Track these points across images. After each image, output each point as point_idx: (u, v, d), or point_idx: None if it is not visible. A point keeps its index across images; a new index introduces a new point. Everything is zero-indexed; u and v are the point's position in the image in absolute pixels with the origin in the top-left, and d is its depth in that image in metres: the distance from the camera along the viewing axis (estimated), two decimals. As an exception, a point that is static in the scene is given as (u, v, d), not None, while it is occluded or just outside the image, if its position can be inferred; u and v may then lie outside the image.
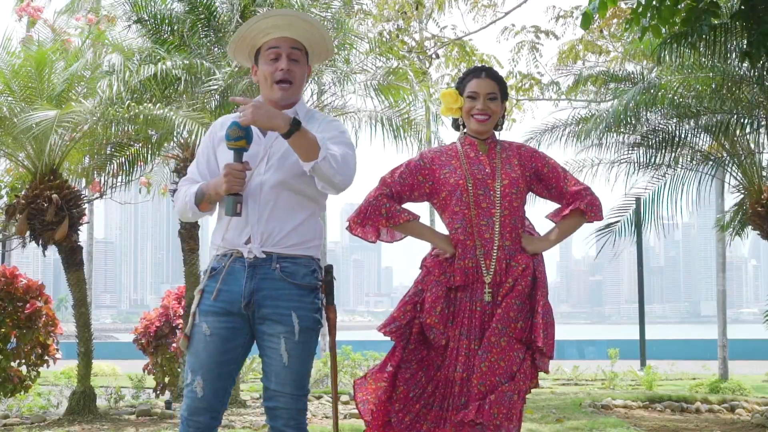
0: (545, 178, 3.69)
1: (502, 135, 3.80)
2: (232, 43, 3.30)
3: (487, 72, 3.70)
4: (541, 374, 3.66)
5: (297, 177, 3.17)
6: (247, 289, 3.14)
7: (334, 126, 3.28)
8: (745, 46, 6.05)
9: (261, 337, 3.17)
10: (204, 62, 8.01)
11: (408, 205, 3.71)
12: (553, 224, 3.76)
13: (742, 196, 9.09)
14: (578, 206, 3.65)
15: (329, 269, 3.32)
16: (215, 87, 8.14)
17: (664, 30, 5.72)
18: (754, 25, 5.69)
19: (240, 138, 3.04)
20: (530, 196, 3.78)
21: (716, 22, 6.13)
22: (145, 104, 7.54)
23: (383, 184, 3.65)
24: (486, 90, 3.63)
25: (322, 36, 3.30)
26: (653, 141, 8.84)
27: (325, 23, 8.92)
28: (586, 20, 5.51)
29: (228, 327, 3.16)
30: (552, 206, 3.82)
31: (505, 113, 3.78)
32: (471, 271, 3.55)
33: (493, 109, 3.64)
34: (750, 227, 9.10)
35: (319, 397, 8.56)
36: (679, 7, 5.63)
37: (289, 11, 3.34)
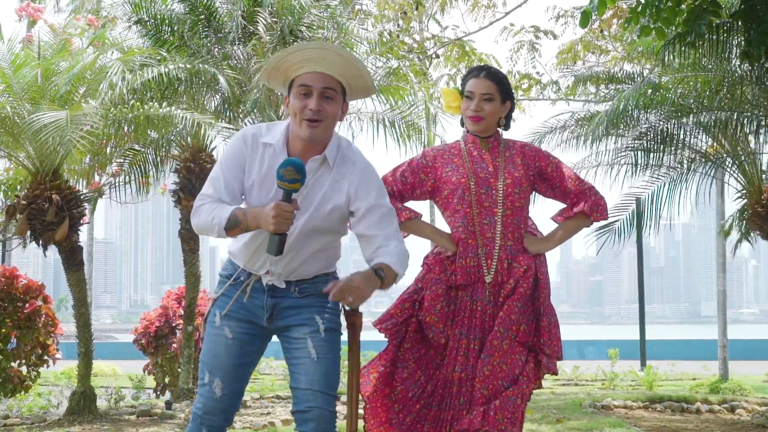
0: (549, 177, 3.67)
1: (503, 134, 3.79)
2: (265, 73, 3.14)
3: (486, 72, 3.65)
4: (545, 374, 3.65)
5: (331, 222, 3.14)
6: (268, 303, 3.17)
7: (373, 183, 3.14)
8: (744, 46, 6.05)
9: (288, 342, 3.18)
10: (206, 66, 8.01)
11: (409, 203, 3.71)
12: (556, 225, 3.76)
13: (744, 201, 9.06)
14: (582, 209, 3.64)
15: None
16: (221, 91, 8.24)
17: (667, 31, 5.70)
18: (753, 24, 5.68)
19: (295, 180, 2.90)
20: (535, 196, 3.77)
21: (716, 21, 6.12)
22: (147, 103, 7.54)
23: (384, 183, 3.64)
24: (481, 90, 3.60)
25: (359, 71, 3.08)
26: (653, 141, 8.83)
27: (326, 24, 8.92)
28: (585, 19, 5.50)
29: (248, 333, 3.20)
30: (554, 206, 3.82)
31: (511, 113, 3.73)
32: (472, 271, 3.54)
33: (488, 110, 3.60)
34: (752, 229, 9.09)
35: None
36: (680, 7, 5.62)
37: (323, 44, 3.16)
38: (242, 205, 3.14)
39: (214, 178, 3.13)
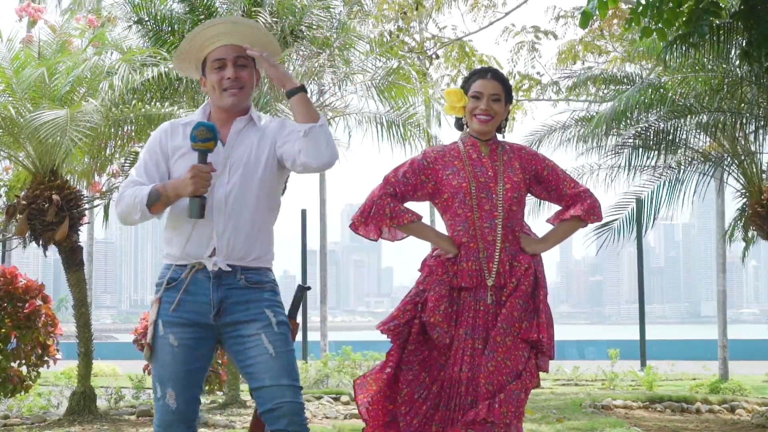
0: (545, 180, 3.72)
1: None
2: (176, 59, 3.28)
3: (492, 73, 3.72)
4: (542, 374, 3.70)
5: (262, 186, 3.18)
6: (215, 298, 3.13)
7: (290, 122, 3.30)
8: (744, 46, 6.06)
9: (239, 342, 3.13)
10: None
11: (409, 204, 3.72)
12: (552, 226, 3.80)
13: (745, 200, 9.06)
14: (577, 213, 3.68)
15: (302, 288, 3.41)
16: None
17: (668, 32, 5.71)
18: (754, 24, 5.69)
19: (208, 139, 3.04)
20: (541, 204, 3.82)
21: (717, 21, 6.13)
22: (139, 103, 7.54)
23: (387, 183, 3.65)
24: (490, 91, 3.64)
25: (267, 37, 3.29)
26: (653, 141, 8.84)
27: (327, 23, 8.93)
28: (585, 19, 5.51)
29: (194, 337, 3.15)
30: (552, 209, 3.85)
31: (509, 115, 3.79)
32: (474, 274, 3.57)
33: (496, 110, 3.65)
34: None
35: (319, 398, 8.56)
36: (681, 8, 5.62)
37: (228, 18, 3.37)
38: None
39: (137, 166, 3.26)
